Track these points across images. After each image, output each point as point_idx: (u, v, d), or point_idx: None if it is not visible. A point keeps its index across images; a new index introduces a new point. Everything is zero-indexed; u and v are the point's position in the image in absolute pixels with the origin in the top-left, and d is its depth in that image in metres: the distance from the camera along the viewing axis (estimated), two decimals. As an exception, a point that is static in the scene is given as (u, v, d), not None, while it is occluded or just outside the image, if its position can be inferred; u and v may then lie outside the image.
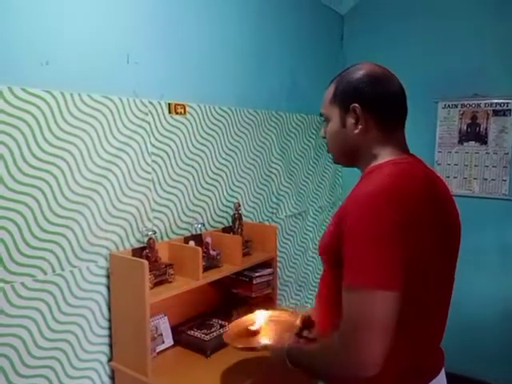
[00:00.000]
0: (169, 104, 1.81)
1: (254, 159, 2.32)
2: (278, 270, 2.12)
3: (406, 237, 0.84)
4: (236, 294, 2.00)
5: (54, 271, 1.44)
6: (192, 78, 1.93)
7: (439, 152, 2.83)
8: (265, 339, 1.34)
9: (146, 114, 1.72)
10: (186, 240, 1.84)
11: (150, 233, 1.66)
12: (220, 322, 1.86)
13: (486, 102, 2.65)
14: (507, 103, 2.59)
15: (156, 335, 1.69)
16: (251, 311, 1.56)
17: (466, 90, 2.69)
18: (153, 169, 1.76)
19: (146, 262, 1.47)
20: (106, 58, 1.57)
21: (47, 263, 1.42)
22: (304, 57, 2.71)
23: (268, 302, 2.00)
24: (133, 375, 1.53)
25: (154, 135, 1.76)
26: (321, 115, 1.11)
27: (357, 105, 0.98)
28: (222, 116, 2.09)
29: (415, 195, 0.90)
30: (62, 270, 1.46)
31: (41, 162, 1.38)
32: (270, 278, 2.03)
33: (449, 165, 2.81)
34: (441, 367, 1.04)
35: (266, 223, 2.42)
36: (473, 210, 2.59)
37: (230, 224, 2.09)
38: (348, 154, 1.07)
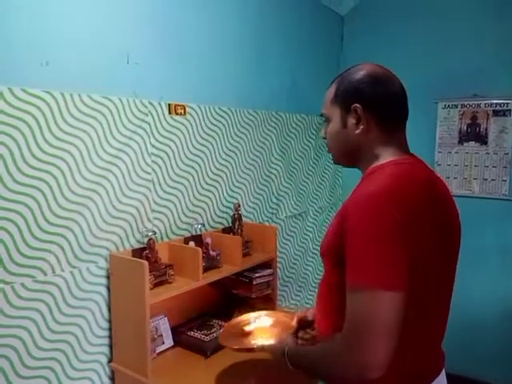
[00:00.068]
0: (169, 104, 1.81)
1: (253, 160, 2.32)
2: (278, 270, 2.11)
3: (407, 237, 0.84)
4: (236, 294, 2.00)
5: (53, 272, 1.44)
6: (192, 78, 1.93)
7: (439, 152, 2.83)
8: (261, 340, 1.33)
9: (146, 115, 1.72)
10: (186, 240, 1.84)
11: (149, 233, 1.66)
12: (220, 322, 1.86)
13: (485, 102, 2.65)
14: (507, 103, 2.59)
15: (156, 336, 1.69)
16: (251, 312, 1.55)
17: (465, 90, 2.69)
18: (153, 169, 1.76)
19: (145, 263, 1.47)
20: (105, 58, 1.57)
21: (47, 264, 1.42)
22: (304, 57, 2.72)
23: (268, 303, 2.00)
24: (133, 376, 1.53)
25: (153, 136, 1.76)
26: (321, 115, 1.11)
27: (358, 105, 0.99)
28: (222, 116, 2.09)
29: (416, 196, 0.90)
30: (62, 270, 1.46)
31: (41, 163, 1.38)
32: (270, 279, 2.03)
33: (449, 165, 2.81)
34: (441, 368, 1.04)
35: (266, 224, 2.42)
36: (473, 211, 2.60)
37: (230, 224, 2.09)
38: (349, 155, 1.07)
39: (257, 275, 1.96)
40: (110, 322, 1.63)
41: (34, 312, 1.39)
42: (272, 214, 2.50)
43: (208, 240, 1.83)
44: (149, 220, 1.76)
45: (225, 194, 2.14)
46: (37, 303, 1.40)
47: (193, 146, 1.94)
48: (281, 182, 2.56)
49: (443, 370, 1.04)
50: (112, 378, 1.64)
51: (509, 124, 2.60)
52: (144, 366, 1.50)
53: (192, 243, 1.79)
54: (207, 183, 2.04)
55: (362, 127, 1.00)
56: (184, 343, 1.75)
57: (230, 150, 2.15)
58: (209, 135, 2.02)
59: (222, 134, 2.10)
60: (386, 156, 1.00)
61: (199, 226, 1.89)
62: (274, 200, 2.51)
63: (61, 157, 1.44)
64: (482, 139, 2.69)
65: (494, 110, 2.64)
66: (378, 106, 0.99)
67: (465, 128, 2.74)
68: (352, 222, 0.87)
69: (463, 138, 2.75)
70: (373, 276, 0.83)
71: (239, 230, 2.06)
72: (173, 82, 1.84)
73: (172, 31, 1.82)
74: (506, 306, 2.65)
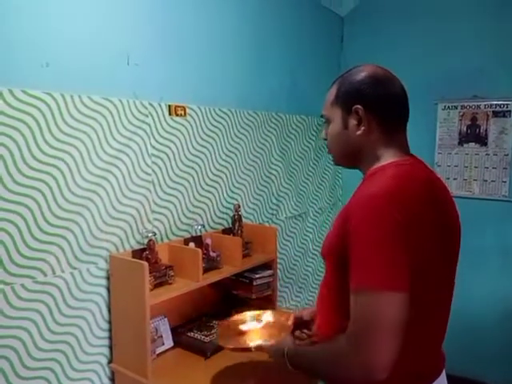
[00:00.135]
0: (169, 106, 1.81)
1: (253, 160, 2.32)
2: (278, 271, 2.11)
3: (408, 237, 0.84)
4: (236, 295, 2.00)
5: (54, 273, 1.44)
6: (192, 79, 1.93)
7: (439, 153, 2.83)
8: (258, 340, 1.33)
9: (146, 116, 1.72)
10: (186, 241, 1.84)
11: (149, 234, 1.66)
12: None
13: (485, 103, 2.65)
14: (507, 104, 2.59)
15: (156, 337, 1.69)
16: (247, 311, 1.54)
17: (465, 91, 2.69)
18: (153, 170, 1.76)
19: (146, 264, 1.47)
20: (106, 59, 1.57)
21: (47, 265, 1.42)
22: (304, 58, 2.72)
23: (268, 304, 2.00)
24: (133, 377, 1.53)
25: (154, 137, 1.76)
26: (322, 117, 1.11)
27: (359, 106, 0.99)
28: (222, 117, 2.09)
29: (417, 197, 0.91)
30: (62, 271, 1.46)
31: (41, 164, 1.39)
32: (270, 280, 2.03)
33: (449, 166, 2.81)
34: (442, 369, 1.04)
35: (266, 224, 2.42)
36: (473, 212, 2.60)
37: (230, 225, 2.09)
38: (349, 156, 1.07)
39: (257, 276, 1.96)
40: (109, 322, 1.63)
41: (33, 313, 1.39)
42: (272, 214, 2.50)
43: (208, 241, 1.83)
44: (149, 221, 1.76)
45: (225, 194, 2.14)
46: (37, 304, 1.40)
47: (193, 147, 1.94)
48: (281, 183, 2.56)
49: (443, 371, 1.04)
50: (112, 379, 1.64)
51: (509, 125, 2.60)
52: (144, 367, 1.50)
53: (192, 244, 1.79)
54: (207, 184, 2.04)
55: (363, 128, 1.00)
56: (184, 344, 1.75)
57: (229, 151, 2.15)
58: (209, 136, 2.02)
59: (222, 135, 2.10)
60: (387, 157, 1.00)
61: (199, 227, 1.89)
62: (274, 201, 2.51)
63: (61, 158, 1.44)
64: (481, 140, 2.69)
65: (493, 111, 2.64)
66: (379, 107, 0.99)
67: (465, 129, 2.74)
68: (354, 224, 0.87)
69: (463, 139, 2.75)
70: (376, 277, 0.83)
71: (239, 231, 2.06)
72: (173, 83, 1.84)
73: (172, 32, 1.82)
74: (506, 306, 2.65)
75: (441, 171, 2.79)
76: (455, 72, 2.68)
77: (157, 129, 1.77)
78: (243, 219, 2.11)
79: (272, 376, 1.37)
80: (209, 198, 2.05)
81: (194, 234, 1.88)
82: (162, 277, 1.63)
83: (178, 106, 1.85)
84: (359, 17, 3.04)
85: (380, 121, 1.00)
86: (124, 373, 1.57)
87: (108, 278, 1.60)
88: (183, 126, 1.89)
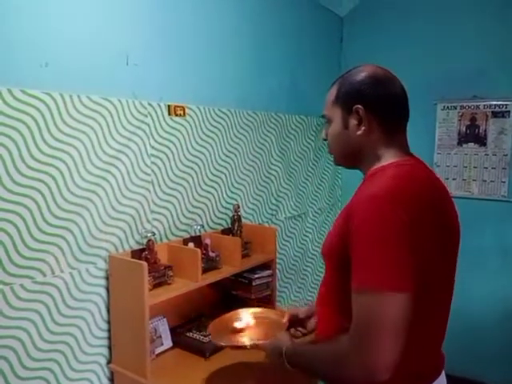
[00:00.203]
0: (168, 106, 1.81)
1: (253, 161, 2.32)
2: (277, 271, 2.12)
3: (411, 238, 0.84)
4: (235, 295, 2.00)
5: (53, 273, 1.44)
6: (191, 79, 1.93)
7: (438, 154, 2.83)
8: (252, 338, 1.32)
9: (146, 116, 1.72)
10: (186, 242, 1.84)
11: (149, 234, 1.66)
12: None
13: (485, 103, 2.66)
14: (506, 105, 2.59)
15: (155, 337, 1.69)
16: (242, 308, 1.54)
17: (465, 91, 2.69)
18: (152, 170, 1.76)
19: (145, 264, 1.47)
20: (105, 59, 1.57)
21: (46, 265, 1.42)
22: (303, 58, 2.72)
23: (267, 304, 2.00)
24: (132, 377, 1.53)
25: (153, 137, 1.76)
26: (323, 117, 1.11)
27: (360, 106, 0.99)
28: (222, 118, 2.09)
29: (417, 197, 0.91)
30: (61, 271, 1.46)
31: (40, 164, 1.38)
32: (270, 280, 2.03)
33: (448, 166, 2.81)
34: (441, 369, 1.04)
35: (266, 225, 2.42)
36: (472, 212, 2.60)
37: (230, 225, 2.09)
38: (350, 156, 1.07)
39: (256, 276, 1.96)
40: (109, 323, 1.62)
41: (33, 313, 1.39)
42: (271, 215, 2.50)
43: (207, 241, 1.83)
44: (148, 221, 1.76)
45: (224, 195, 2.14)
46: (36, 304, 1.40)
47: (192, 147, 1.94)
48: (280, 183, 2.56)
49: (443, 372, 1.04)
50: (111, 379, 1.64)
51: (508, 125, 2.60)
52: (143, 367, 1.50)
53: (191, 244, 1.79)
54: (207, 184, 2.04)
55: (363, 128, 1.00)
56: (183, 344, 1.75)
57: (229, 151, 2.15)
58: (208, 136, 2.02)
59: (222, 135, 2.10)
60: (388, 157, 1.00)
61: (198, 227, 1.89)
62: (274, 201, 2.51)
63: (60, 158, 1.44)
64: (481, 140, 2.70)
65: (493, 112, 2.64)
66: (379, 107, 0.99)
67: (464, 129, 2.74)
68: (356, 224, 0.87)
69: (462, 139, 2.75)
70: (379, 278, 0.83)
71: (238, 231, 2.06)
72: (172, 83, 1.84)
73: (171, 32, 1.82)
74: (506, 306, 2.65)
75: (440, 171, 2.79)
76: (455, 72, 2.68)
77: (156, 129, 1.77)
78: (242, 219, 2.11)
79: (271, 376, 1.37)
80: (208, 198, 2.05)
81: (193, 234, 1.88)
82: (161, 277, 1.63)
83: (178, 106, 1.85)
84: (359, 17, 3.04)
85: (380, 121, 1.00)
86: (123, 373, 1.56)
87: (107, 279, 1.60)
88: (182, 126, 1.88)
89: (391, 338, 0.81)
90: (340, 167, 1.11)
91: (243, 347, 1.28)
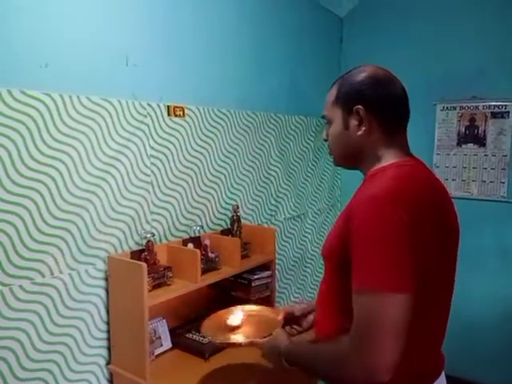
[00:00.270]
0: (168, 106, 1.81)
1: (252, 161, 2.32)
2: (276, 272, 2.11)
3: (412, 238, 0.84)
4: (235, 296, 1.99)
5: (52, 274, 1.43)
6: (191, 80, 1.93)
7: (438, 154, 2.83)
8: (247, 335, 1.31)
9: (145, 117, 1.72)
10: (185, 242, 1.83)
11: (148, 235, 1.66)
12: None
13: (484, 104, 2.66)
14: (505, 105, 2.59)
15: (154, 338, 1.68)
16: (237, 305, 1.53)
17: (464, 92, 2.69)
18: (152, 171, 1.76)
19: (144, 265, 1.47)
20: (104, 60, 1.57)
21: (45, 266, 1.41)
22: (303, 59, 2.72)
23: (267, 305, 1.99)
24: (131, 378, 1.53)
25: (152, 138, 1.75)
26: (323, 117, 1.11)
27: (360, 106, 0.99)
28: (221, 118, 2.09)
29: (418, 197, 0.91)
30: (61, 272, 1.46)
31: (39, 165, 1.38)
32: (269, 281, 2.03)
33: (447, 167, 2.81)
34: (441, 370, 1.04)
35: (265, 225, 2.42)
36: (471, 213, 2.60)
37: (229, 226, 2.09)
38: (350, 156, 1.07)
39: (255, 277, 1.96)
40: (108, 324, 1.62)
41: (32, 314, 1.39)
42: (271, 215, 2.50)
43: (207, 242, 1.83)
44: (147, 222, 1.76)
45: (223, 195, 2.14)
46: (35, 305, 1.39)
47: (192, 147, 1.94)
48: (280, 184, 2.56)
49: (443, 373, 1.04)
50: (110, 381, 1.64)
51: (507, 126, 2.60)
52: (142, 369, 1.49)
53: (191, 245, 1.79)
54: (206, 185, 2.03)
55: (364, 129, 1.00)
56: (182, 345, 1.75)
57: (228, 152, 2.15)
58: (208, 137, 2.02)
59: (221, 136, 2.10)
60: (388, 158, 1.00)
61: (198, 228, 1.89)
62: (273, 202, 2.51)
63: (59, 159, 1.44)
64: (480, 141, 2.70)
65: (492, 112, 2.64)
66: (379, 107, 0.99)
67: (463, 130, 2.74)
68: (356, 224, 0.87)
69: (462, 139, 2.75)
70: (379, 278, 0.83)
71: (238, 232, 2.06)
72: (172, 83, 1.84)
73: (171, 33, 1.82)
74: (506, 307, 2.65)
75: (439, 172, 2.79)
76: (454, 73, 2.68)
77: (155, 129, 1.77)
78: (242, 220, 2.11)
79: (271, 377, 1.37)
80: (207, 199, 2.05)
81: (192, 235, 1.88)
82: (160, 278, 1.62)
83: (177, 107, 1.85)
84: (358, 17, 3.04)
85: (381, 121, 1.00)
86: (122, 374, 1.56)
87: (106, 279, 1.60)
88: (182, 126, 1.88)
89: (391, 339, 0.81)
90: (339, 168, 1.12)
91: (238, 345, 1.27)
